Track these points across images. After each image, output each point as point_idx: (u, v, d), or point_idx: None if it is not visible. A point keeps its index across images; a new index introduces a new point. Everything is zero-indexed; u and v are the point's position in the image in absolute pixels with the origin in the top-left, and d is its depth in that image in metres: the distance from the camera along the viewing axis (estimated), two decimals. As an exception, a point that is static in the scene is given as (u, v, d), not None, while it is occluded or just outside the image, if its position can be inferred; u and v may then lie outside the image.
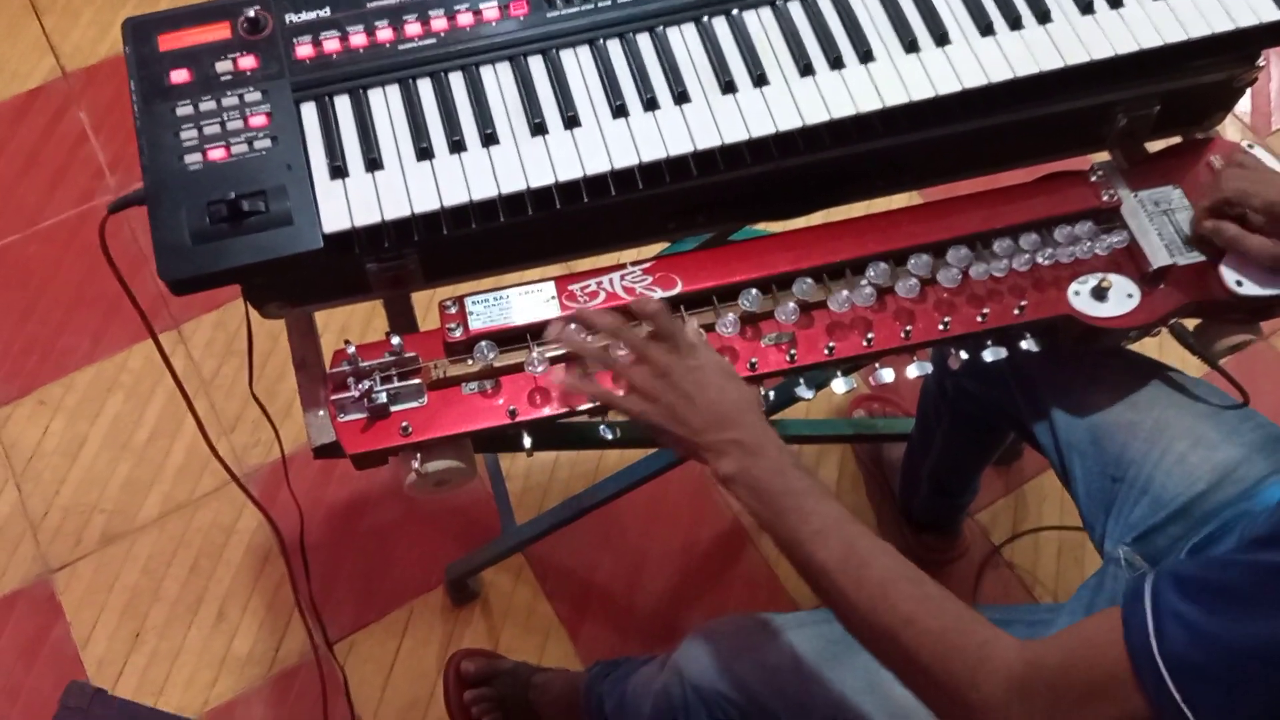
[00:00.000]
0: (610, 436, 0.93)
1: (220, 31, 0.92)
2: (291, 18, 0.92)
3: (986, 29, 0.94)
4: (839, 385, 0.97)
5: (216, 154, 0.86)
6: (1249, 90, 1.06)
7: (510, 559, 1.58)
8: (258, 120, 0.88)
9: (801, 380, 0.95)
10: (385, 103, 0.91)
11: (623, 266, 0.94)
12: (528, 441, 0.91)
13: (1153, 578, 0.68)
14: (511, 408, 0.89)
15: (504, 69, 0.93)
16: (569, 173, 0.88)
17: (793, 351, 0.92)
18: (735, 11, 0.95)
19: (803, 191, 1.00)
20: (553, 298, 0.93)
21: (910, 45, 0.93)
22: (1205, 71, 1.00)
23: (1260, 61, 1.02)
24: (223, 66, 0.90)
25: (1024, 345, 0.94)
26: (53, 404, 1.74)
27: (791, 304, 0.92)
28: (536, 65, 0.93)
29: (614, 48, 0.94)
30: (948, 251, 0.95)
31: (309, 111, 0.90)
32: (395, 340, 0.89)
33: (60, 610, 1.58)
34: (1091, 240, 0.97)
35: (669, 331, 0.85)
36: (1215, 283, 0.94)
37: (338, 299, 0.98)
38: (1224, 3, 0.95)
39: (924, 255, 0.94)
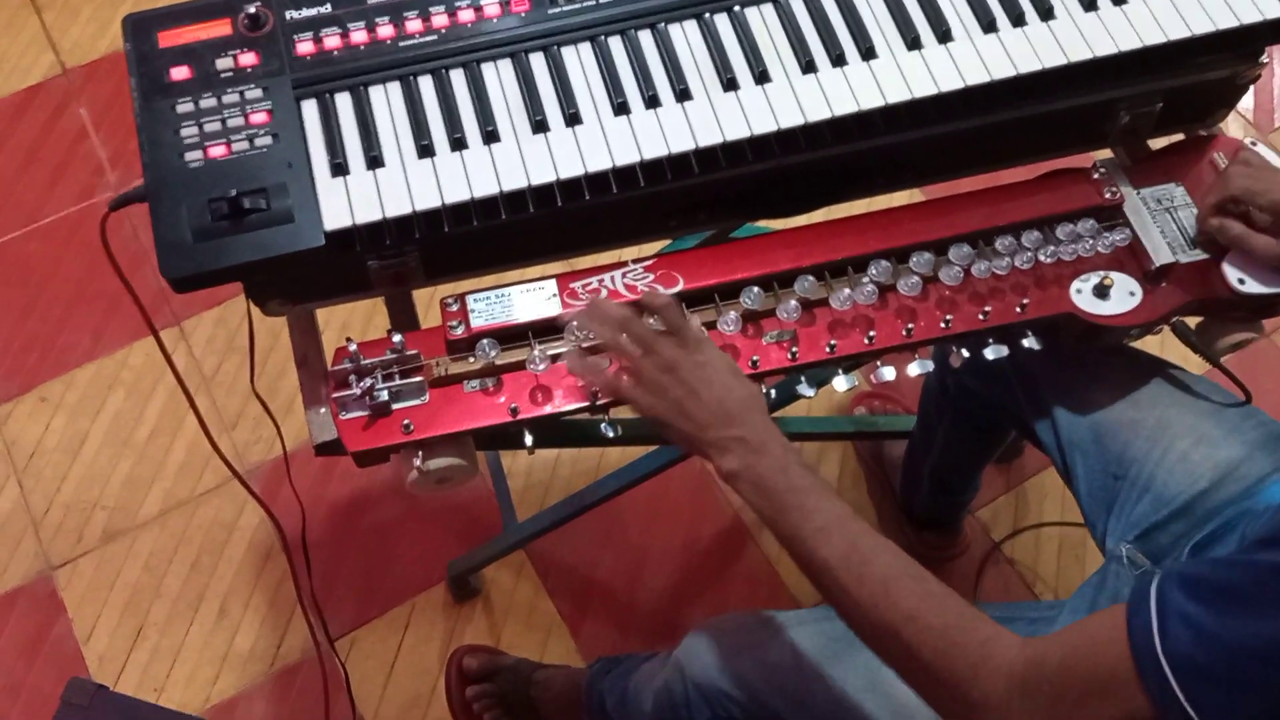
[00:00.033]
0: (611, 434, 0.93)
1: (221, 28, 0.91)
2: (292, 14, 0.92)
3: (989, 25, 0.94)
4: (840, 383, 0.97)
5: (217, 151, 0.86)
6: (1252, 87, 1.06)
7: (512, 556, 1.58)
8: (258, 117, 0.88)
9: (803, 378, 0.95)
10: (386, 100, 0.91)
11: (624, 264, 0.94)
12: (529, 439, 0.91)
13: (1159, 578, 0.68)
14: (513, 405, 0.89)
15: (505, 66, 0.93)
16: (570, 170, 0.88)
17: (794, 349, 0.92)
18: (737, 8, 0.95)
19: (804, 189, 1.00)
20: (554, 295, 0.92)
21: (913, 42, 0.93)
22: (1208, 68, 1.00)
23: (1263, 58, 1.02)
24: (223, 63, 0.90)
25: (1026, 343, 0.94)
26: (54, 401, 1.74)
27: (793, 302, 0.92)
28: (538, 62, 0.93)
29: (616, 44, 0.93)
30: (949, 249, 0.95)
31: (310, 109, 0.90)
32: (397, 338, 0.89)
33: (62, 607, 1.58)
34: (1093, 238, 0.97)
35: (677, 326, 0.85)
36: (1218, 281, 0.94)
37: (339, 296, 0.98)
38: (1228, -1, 0.94)
39: (926, 253, 0.94)
